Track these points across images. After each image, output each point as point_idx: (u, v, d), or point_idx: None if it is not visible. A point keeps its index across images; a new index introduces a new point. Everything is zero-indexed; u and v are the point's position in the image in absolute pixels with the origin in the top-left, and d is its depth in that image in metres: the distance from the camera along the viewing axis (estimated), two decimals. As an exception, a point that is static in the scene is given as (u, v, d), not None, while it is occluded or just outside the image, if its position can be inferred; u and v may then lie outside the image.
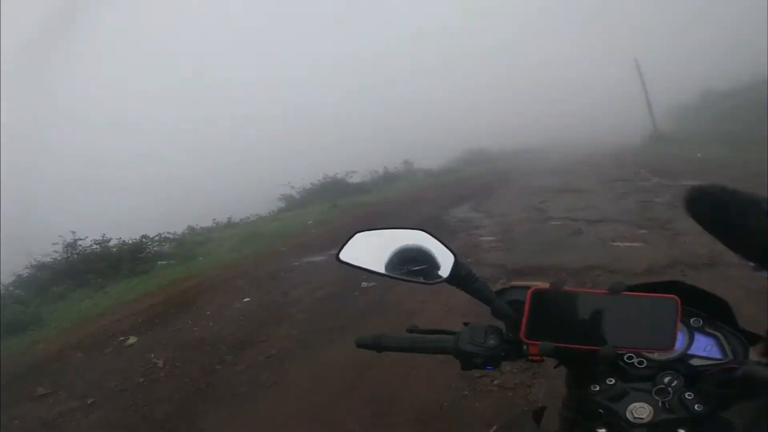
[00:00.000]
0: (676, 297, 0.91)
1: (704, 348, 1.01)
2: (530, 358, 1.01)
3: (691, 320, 1.03)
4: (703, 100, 34.96)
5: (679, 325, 0.92)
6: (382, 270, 1.08)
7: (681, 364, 1.00)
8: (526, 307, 0.97)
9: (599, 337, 0.93)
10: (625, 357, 1.00)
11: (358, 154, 32.79)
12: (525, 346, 1.01)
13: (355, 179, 22.97)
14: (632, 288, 1.04)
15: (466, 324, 1.08)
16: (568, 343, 0.94)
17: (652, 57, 41.00)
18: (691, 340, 1.01)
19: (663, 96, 37.54)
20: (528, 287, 1.00)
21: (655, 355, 1.00)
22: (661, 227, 7.87)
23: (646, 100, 36.91)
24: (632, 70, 38.25)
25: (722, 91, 32.33)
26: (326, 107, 51.11)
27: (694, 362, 1.00)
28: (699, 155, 21.07)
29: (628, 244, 6.99)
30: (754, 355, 1.02)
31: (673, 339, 0.91)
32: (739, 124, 23.81)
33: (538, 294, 0.97)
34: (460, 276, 1.07)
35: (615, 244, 7.01)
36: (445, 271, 1.07)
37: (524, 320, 0.97)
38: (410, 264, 1.09)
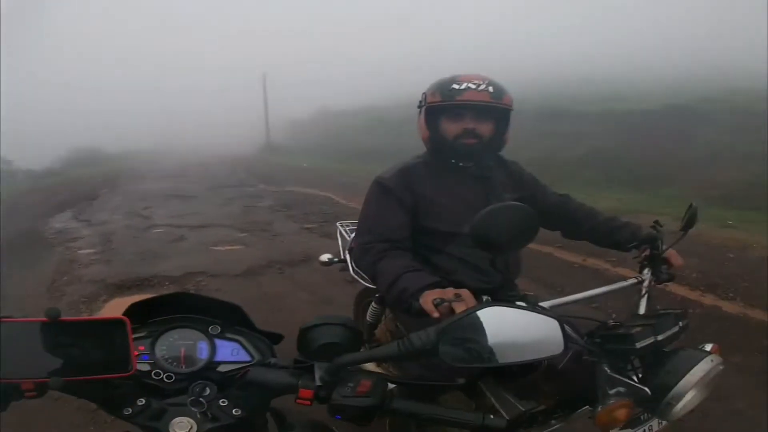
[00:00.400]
0: (125, 318, 0.87)
1: (231, 353, 1.06)
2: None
3: (209, 328, 1.07)
4: (318, 116, 38.22)
5: (133, 346, 0.88)
6: None
7: (211, 372, 1.02)
8: None
9: (49, 369, 0.83)
10: (153, 373, 0.98)
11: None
12: None
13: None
14: (140, 306, 1.05)
15: None
16: (22, 377, 0.84)
17: (279, 72, 43.36)
18: (214, 348, 1.05)
19: (283, 110, 39.91)
20: None
21: (183, 368, 1.01)
22: (262, 230, 8.29)
23: (265, 114, 38.81)
24: (260, 83, 39.93)
25: (336, 110, 35.89)
26: None
27: (223, 368, 1.03)
28: (305, 165, 22.99)
29: (229, 247, 7.18)
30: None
31: (130, 361, 0.87)
32: (346, 140, 26.87)
33: None
34: None
35: (217, 248, 7.12)
36: None
37: None
38: None
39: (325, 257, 2.79)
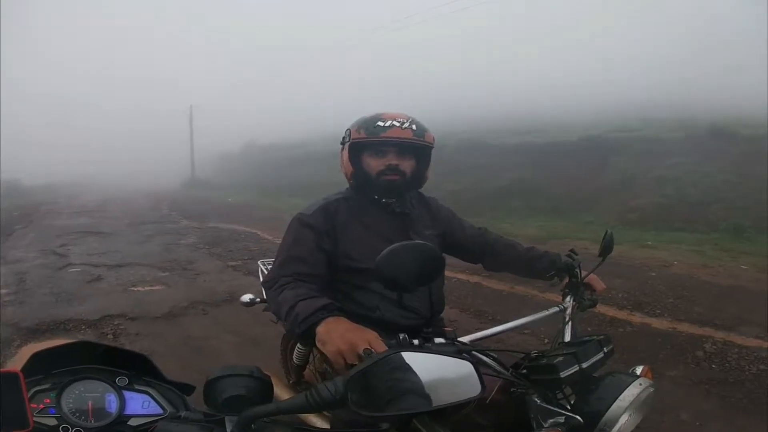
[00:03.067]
0: (17, 371, 0.84)
1: (141, 405, 1.02)
2: None
3: (117, 380, 1.02)
4: (245, 150, 38.17)
5: (28, 401, 0.84)
6: None
7: (122, 426, 0.98)
8: None
9: None
10: (60, 428, 0.93)
11: None
12: None
13: None
14: (43, 355, 0.98)
15: None
16: None
17: (206, 106, 43.18)
18: (123, 401, 1.00)
19: (211, 144, 39.72)
20: None
21: (92, 422, 0.96)
22: (183, 268, 8.10)
23: (190, 147, 38.42)
24: (185, 118, 39.52)
25: (263, 144, 35.98)
26: None
27: (134, 422, 0.99)
28: (230, 200, 22.79)
29: (149, 288, 6.94)
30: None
31: (26, 417, 0.83)
32: (274, 174, 26.94)
33: None
34: None
35: (136, 288, 6.88)
36: None
37: None
38: None
39: (246, 297, 2.73)
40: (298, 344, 2.72)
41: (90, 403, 0.98)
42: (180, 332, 5.18)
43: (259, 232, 12.09)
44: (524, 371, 1.49)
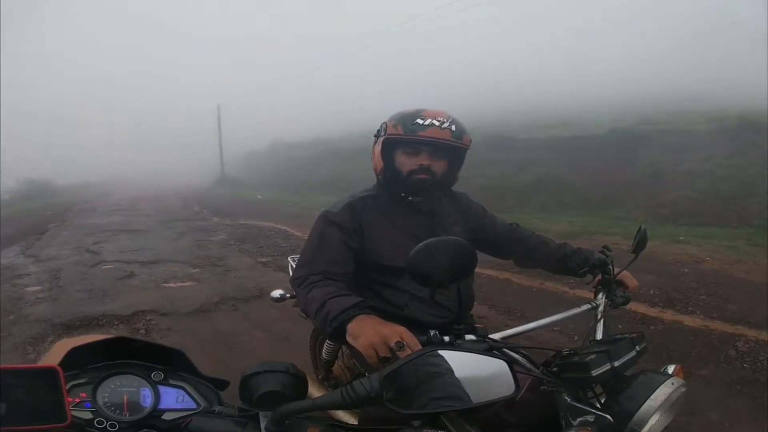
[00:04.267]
0: (57, 367, 0.86)
1: (176, 400, 1.04)
2: None
3: (152, 375, 1.04)
4: (271, 149, 38.41)
5: (67, 395, 0.86)
6: None
7: (157, 420, 1.00)
8: None
9: None
10: (96, 422, 0.95)
11: None
12: None
13: None
14: (80, 351, 1.01)
15: None
16: None
17: (234, 105, 43.57)
18: (158, 395, 1.02)
19: (237, 143, 40.03)
20: None
21: (126, 416, 0.98)
22: (214, 264, 8.16)
23: (219, 146, 38.73)
24: (213, 117, 39.86)
25: (289, 142, 36.19)
26: None
27: (169, 416, 1.01)
28: (259, 197, 22.94)
29: (181, 284, 7.03)
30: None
31: (64, 411, 0.85)
32: (300, 172, 27.08)
33: None
34: None
35: (168, 285, 6.96)
36: None
37: None
38: None
39: (276, 293, 2.74)
40: (327, 340, 2.73)
41: (125, 397, 1.00)
42: (210, 328, 5.23)
43: (288, 229, 12.14)
44: (555, 369, 1.47)
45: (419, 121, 1.87)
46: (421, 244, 1.39)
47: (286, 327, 4.86)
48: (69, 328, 5.35)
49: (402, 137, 1.90)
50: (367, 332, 1.37)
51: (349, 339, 1.44)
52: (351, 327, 1.44)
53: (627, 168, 13.65)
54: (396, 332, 1.32)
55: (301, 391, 1.01)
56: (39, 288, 7.09)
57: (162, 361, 1.07)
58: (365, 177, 2.13)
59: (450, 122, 1.88)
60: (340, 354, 2.72)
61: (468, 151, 1.99)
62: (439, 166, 1.95)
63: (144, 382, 1.02)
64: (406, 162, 1.94)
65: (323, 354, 2.82)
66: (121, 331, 5.18)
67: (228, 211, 17.01)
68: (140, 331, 5.17)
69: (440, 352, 0.99)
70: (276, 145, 38.89)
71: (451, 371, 0.99)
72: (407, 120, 1.90)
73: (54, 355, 1.06)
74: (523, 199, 14.06)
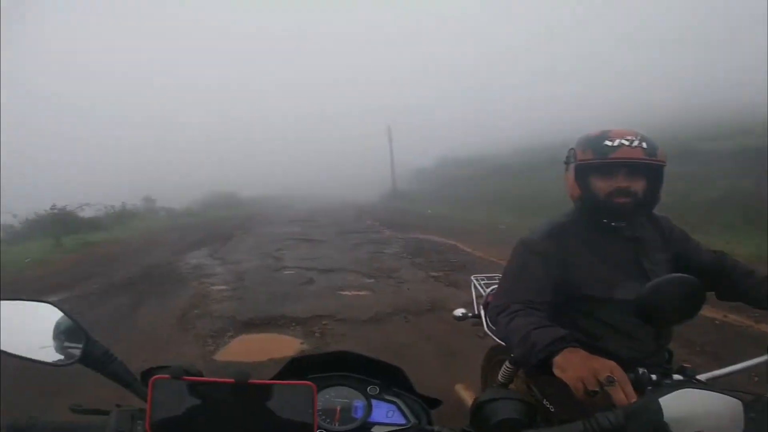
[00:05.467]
0: (312, 384, 0.87)
1: (386, 414, 1.04)
2: None
3: (368, 389, 1.06)
4: (439, 165, 39.10)
5: (316, 411, 0.87)
6: None
7: None
8: (149, 395, 0.83)
9: (231, 429, 0.85)
10: None
11: (93, 183, 30.49)
12: None
13: (87, 213, 20.31)
14: (300, 361, 1.07)
15: (119, 406, 0.93)
16: None
17: (403, 124, 45.08)
18: (370, 408, 1.04)
19: (405, 159, 41.17)
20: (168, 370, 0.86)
21: (336, 425, 1.00)
22: (388, 276, 8.30)
23: (390, 162, 40.12)
24: (384, 135, 41.60)
25: (456, 158, 36.57)
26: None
27: (378, 429, 1.02)
28: (429, 212, 23.30)
29: (356, 292, 7.22)
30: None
31: (312, 426, 0.86)
32: (467, 188, 27.19)
33: (161, 382, 0.84)
34: (93, 356, 0.99)
35: (344, 293, 7.19)
36: (76, 350, 0.98)
37: (147, 410, 0.84)
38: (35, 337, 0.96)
39: (459, 312, 2.73)
40: (507, 363, 2.67)
41: (338, 408, 1.03)
42: (383, 337, 5.30)
43: (458, 244, 12.08)
44: (752, 415, 1.32)
45: (608, 142, 1.79)
46: (655, 280, 1.34)
47: (455, 343, 4.80)
48: (249, 325, 5.71)
49: (593, 161, 1.82)
50: (576, 366, 1.32)
51: (556, 371, 1.38)
52: (558, 360, 1.40)
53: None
54: (607, 367, 1.25)
55: (533, 421, 0.99)
56: (224, 287, 7.69)
57: (379, 375, 1.09)
58: (531, 193, 2.05)
59: (640, 140, 1.78)
60: (515, 378, 2.65)
61: (662, 167, 1.85)
62: (638, 187, 1.83)
63: (359, 394, 1.05)
64: (602, 186, 1.84)
65: (499, 377, 2.76)
66: (298, 333, 5.46)
67: (399, 224, 17.37)
68: (315, 334, 5.38)
69: (681, 391, 0.91)
70: (444, 161, 39.45)
71: (689, 413, 0.90)
72: (596, 143, 1.83)
73: (233, 349, 1.11)
74: (705, 217, 12.79)
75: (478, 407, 0.97)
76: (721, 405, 0.93)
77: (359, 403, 1.04)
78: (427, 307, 6.32)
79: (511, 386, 2.68)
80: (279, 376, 1.01)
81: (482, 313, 2.57)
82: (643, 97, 27.76)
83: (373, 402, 1.05)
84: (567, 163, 1.98)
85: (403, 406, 1.06)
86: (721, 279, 2.04)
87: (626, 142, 1.77)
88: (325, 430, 0.99)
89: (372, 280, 8.03)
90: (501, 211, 15.46)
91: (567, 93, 39.33)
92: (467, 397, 2.94)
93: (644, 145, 1.77)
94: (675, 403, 0.88)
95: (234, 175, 46.95)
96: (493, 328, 2.19)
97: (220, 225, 19.19)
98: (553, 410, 2.01)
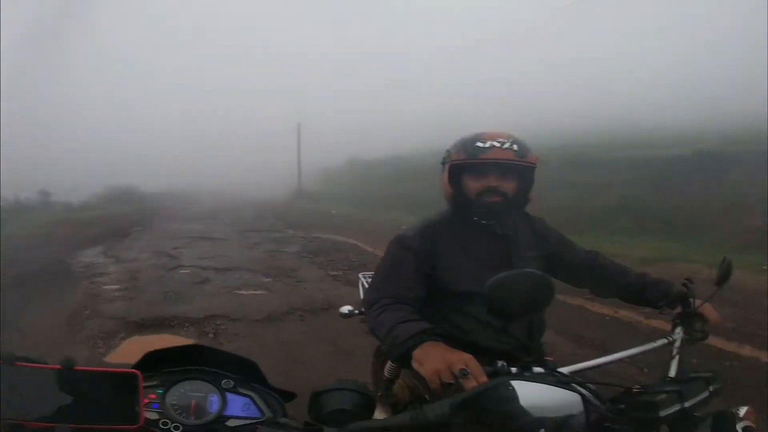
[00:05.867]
0: (137, 372, 0.89)
1: (241, 408, 1.05)
2: None
3: (222, 382, 1.06)
4: (348, 165, 39.07)
5: (143, 399, 0.90)
6: None
7: (220, 426, 1.02)
8: None
9: (57, 414, 0.85)
10: (161, 422, 0.97)
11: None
12: None
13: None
14: (155, 354, 1.05)
15: None
16: (29, 419, 0.84)
17: (312, 123, 44.73)
18: (225, 402, 1.04)
19: (315, 158, 40.91)
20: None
21: (191, 419, 1.00)
22: (286, 275, 8.29)
23: (297, 162, 39.78)
24: (293, 133, 41.11)
25: (366, 158, 36.70)
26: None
27: (233, 423, 1.03)
28: (333, 212, 23.30)
29: (253, 292, 7.16)
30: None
31: (138, 414, 0.88)
32: (375, 189, 27.38)
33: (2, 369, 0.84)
34: None
35: (240, 292, 7.11)
36: None
37: None
38: None
39: (345, 309, 2.75)
40: (390, 360, 2.72)
41: (193, 402, 1.02)
42: (277, 336, 5.29)
43: (359, 244, 12.24)
44: (622, 407, 1.41)
45: (480, 144, 1.87)
46: (499, 275, 1.35)
47: (350, 341, 4.85)
48: (141, 326, 5.54)
49: (466, 162, 1.90)
50: (432, 360, 1.35)
51: (414, 364, 1.43)
52: (417, 353, 1.43)
53: (712, 191, 13.04)
54: (462, 360, 1.28)
55: (368, 411, 1.03)
56: (117, 287, 7.45)
57: (234, 369, 1.09)
58: (438, 196, 2.11)
59: (511, 142, 1.87)
60: (402, 373, 2.70)
61: (539, 163, 1.95)
62: (507, 187, 1.92)
63: (213, 388, 1.05)
64: (473, 185, 1.92)
65: (385, 373, 2.80)
66: (191, 333, 5.35)
67: (302, 224, 17.37)
68: (209, 334, 5.30)
69: (513, 383, 0.99)
70: (353, 161, 39.46)
71: (521, 404, 0.98)
72: (468, 144, 1.90)
73: (124, 351, 1.10)
74: (600, 222, 13.61)
75: (314, 397, 1.01)
76: (558, 395, 1.00)
77: (214, 397, 1.04)
78: (324, 306, 6.37)
79: (398, 381, 2.74)
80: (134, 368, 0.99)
81: None
82: (540, 105, 29.03)
83: (228, 396, 1.05)
84: (443, 164, 2.04)
85: (258, 400, 1.07)
86: (595, 276, 2.18)
87: (498, 144, 1.84)
88: (180, 424, 0.98)
89: (270, 280, 7.99)
90: (406, 213, 15.60)
91: (477, 97, 40.36)
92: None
93: (515, 147, 1.85)
94: (501, 394, 0.96)
95: (135, 168, 45.15)
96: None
97: (117, 221, 18.47)
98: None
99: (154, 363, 1.06)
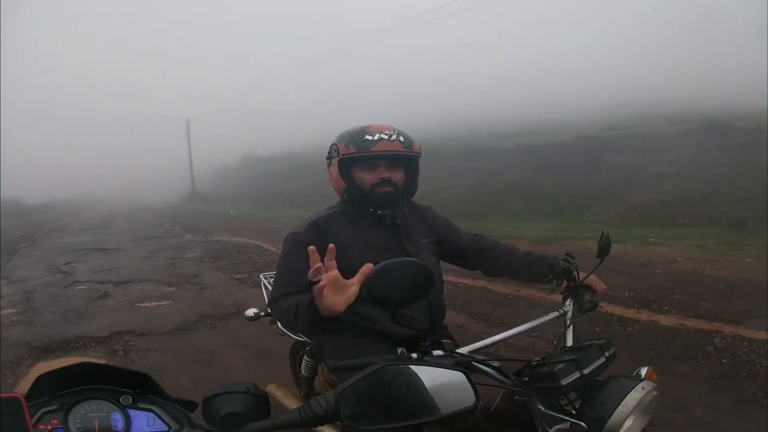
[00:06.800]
0: (19, 396, 0.85)
1: (146, 423, 1.02)
2: None
3: (121, 399, 1.02)
4: (243, 163, 38.23)
5: (31, 425, 0.84)
6: None
7: None
8: None
9: None
10: None
11: None
12: None
13: None
14: (48, 377, 0.98)
15: None
16: None
17: (201, 120, 43.27)
18: (128, 419, 1.00)
19: (208, 158, 39.74)
20: None
21: None
22: (189, 282, 8.12)
23: (189, 161, 38.43)
24: (182, 131, 39.52)
25: (260, 156, 36.07)
26: None
27: None
28: (232, 213, 22.84)
29: (156, 303, 6.97)
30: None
31: None
32: (273, 186, 27.03)
33: None
34: None
35: (143, 304, 6.90)
36: None
37: None
38: None
39: (250, 312, 2.75)
40: (306, 356, 2.75)
41: (96, 423, 0.98)
42: (189, 347, 5.19)
43: (261, 244, 12.12)
44: (526, 379, 1.51)
45: (368, 137, 1.96)
46: (376, 266, 1.43)
47: (265, 344, 4.85)
48: (46, 351, 5.26)
49: (356, 155, 1.99)
50: (327, 297, 1.48)
51: (325, 313, 1.51)
52: (321, 305, 1.51)
53: (596, 173, 13.85)
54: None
55: (263, 411, 1.03)
56: (12, 310, 6.97)
57: (131, 384, 1.06)
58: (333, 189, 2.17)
59: (397, 134, 1.98)
60: (320, 370, 2.74)
61: (432, 155, 2.08)
62: (398, 177, 2.04)
63: (113, 406, 1.01)
64: (366, 178, 2.02)
65: (302, 371, 2.83)
66: (100, 353, 5.13)
67: (200, 227, 16.95)
68: (119, 352, 5.11)
69: (393, 367, 1.02)
70: (247, 159, 38.68)
71: (407, 387, 1.02)
72: (356, 138, 1.99)
73: (31, 380, 1.06)
74: (494, 206, 14.17)
75: (205, 403, 1.01)
76: (444, 376, 1.07)
77: (116, 415, 1.00)
78: (233, 311, 6.31)
79: (318, 377, 2.79)
80: (27, 395, 0.93)
81: None
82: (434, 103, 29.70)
83: (131, 412, 1.01)
84: (329, 158, 2.12)
85: (161, 413, 1.04)
86: (482, 258, 2.32)
87: (385, 137, 1.96)
88: None
89: (173, 289, 7.78)
90: (306, 208, 15.52)
91: (367, 92, 40.57)
92: (280, 395, 2.97)
93: (401, 138, 1.97)
94: (394, 377, 1.00)
95: (16, 180, 42.25)
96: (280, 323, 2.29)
97: (2, 238, 17.27)
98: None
99: (49, 386, 1.00)
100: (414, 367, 1.03)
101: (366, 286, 1.44)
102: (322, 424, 0.99)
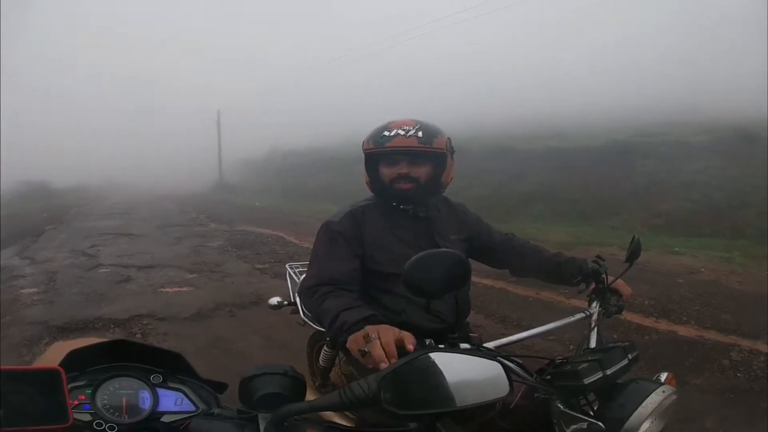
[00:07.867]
0: (59, 368, 0.85)
1: (174, 402, 1.04)
2: None
3: (151, 377, 1.04)
4: (269, 155, 38.42)
5: (69, 397, 0.85)
6: None
7: (155, 422, 1.00)
8: None
9: None
10: (94, 424, 0.95)
11: None
12: None
13: None
14: (79, 353, 1.00)
15: None
16: None
17: (233, 112, 43.57)
18: (156, 398, 1.02)
19: (236, 149, 39.98)
20: None
21: (125, 419, 0.98)
22: (211, 270, 8.15)
23: (218, 152, 38.69)
24: (213, 123, 39.81)
25: (287, 149, 36.22)
26: None
27: (167, 418, 1.01)
28: (257, 204, 22.95)
29: (178, 289, 7.03)
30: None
31: (66, 412, 0.84)
32: (298, 179, 27.16)
33: None
34: None
35: (164, 290, 6.95)
36: None
37: None
38: None
39: (274, 300, 2.76)
40: (325, 347, 2.75)
41: (124, 400, 1.00)
42: (207, 333, 5.22)
43: (284, 236, 12.10)
44: (548, 377, 1.49)
45: (386, 133, 1.96)
46: (416, 255, 1.41)
47: (282, 334, 4.85)
48: (65, 330, 5.33)
49: (373, 150, 1.99)
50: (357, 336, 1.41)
51: (349, 344, 1.46)
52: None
53: (623, 179, 13.63)
54: (380, 329, 1.35)
55: (300, 393, 1.04)
56: (35, 290, 7.08)
57: (161, 364, 1.07)
58: (359, 185, 2.17)
59: (416, 129, 1.94)
60: (337, 361, 2.74)
61: (457, 154, 2.07)
62: (420, 173, 2.00)
63: (143, 384, 1.02)
64: (386, 173, 2.01)
65: (320, 361, 2.83)
66: (118, 335, 5.14)
67: (225, 217, 17.01)
68: (137, 335, 5.16)
69: (434, 355, 1.00)
70: (274, 152, 38.80)
71: (443, 375, 1.00)
72: (376, 134, 1.99)
73: (49, 358, 1.06)
74: (519, 208, 14.04)
75: (243, 384, 1.01)
76: (481, 365, 1.06)
77: (145, 393, 1.02)
78: (253, 299, 6.31)
79: (335, 368, 2.79)
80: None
81: (297, 300, 2.60)
82: (464, 102, 29.55)
83: (159, 391, 1.03)
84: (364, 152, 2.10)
85: (189, 393, 1.06)
86: (512, 257, 2.29)
87: (402, 132, 1.94)
88: (114, 424, 0.96)
89: (195, 275, 7.83)
90: (330, 202, 15.64)
91: (394, 89, 40.51)
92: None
93: (420, 134, 1.93)
94: (433, 365, 0.99)
95: (46, 164, 42.95)
96: (309, 314, 2.28)
97: (31, 219, 17.54)
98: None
99: (79, 362, 1.02)
100: (451, 356, 1.03)
101: (403, 277, 1.41)
102: (361, 408, 0.99)
